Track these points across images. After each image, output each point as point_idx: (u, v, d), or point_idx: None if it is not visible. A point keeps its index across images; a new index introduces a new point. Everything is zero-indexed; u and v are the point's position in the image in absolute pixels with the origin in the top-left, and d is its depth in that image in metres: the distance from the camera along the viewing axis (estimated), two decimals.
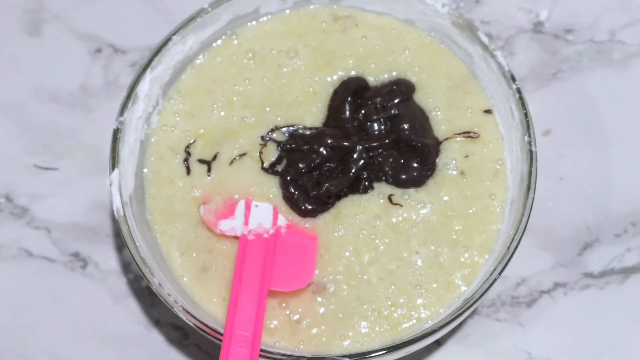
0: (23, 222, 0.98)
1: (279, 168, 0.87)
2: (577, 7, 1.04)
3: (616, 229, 0.97)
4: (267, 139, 0.88)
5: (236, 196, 0.86)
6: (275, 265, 0.82)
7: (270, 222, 0.84)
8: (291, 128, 0.88)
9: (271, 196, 0.86)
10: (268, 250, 0.82)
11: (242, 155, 0.87)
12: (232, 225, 0.84)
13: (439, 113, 0.88)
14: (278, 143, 0.87)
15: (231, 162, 0.87)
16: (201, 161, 0.87)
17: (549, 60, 1.02)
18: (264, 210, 0.85)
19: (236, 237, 0.84)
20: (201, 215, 0.85)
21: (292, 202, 0.86)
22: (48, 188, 0.99)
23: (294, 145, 0.87)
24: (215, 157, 0.87)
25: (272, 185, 0.86)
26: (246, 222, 0.84)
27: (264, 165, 0.87)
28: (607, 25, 1.03)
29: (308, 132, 0.87)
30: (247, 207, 0.85)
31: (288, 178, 0.85)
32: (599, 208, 0.97)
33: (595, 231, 0.97)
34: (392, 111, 0.87)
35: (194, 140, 0.88)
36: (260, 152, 0.87)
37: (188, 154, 0.88)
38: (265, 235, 0.83)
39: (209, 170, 0.87)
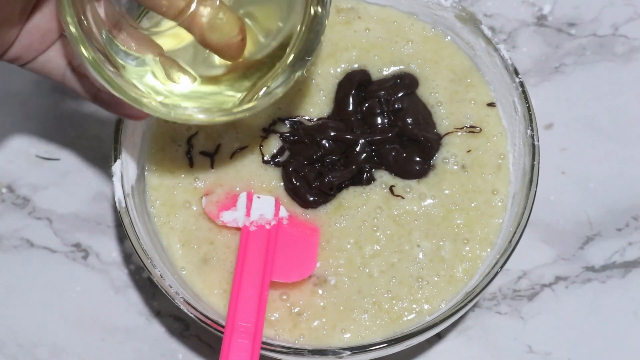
0: (25, 212, 0.98)
1: (281, 159, 0.87)
2: (580, 0, 1.04)
3: (618, 223, 0.97)
4: (269, 130, 0.88)
5: (237, 188, 0.86)
6: (277, 257, 0.82)
7: (272, 214, 0.84)
8: (293, 120, 0.88)
9: (272, 188, 0.86)
10: (270, 242, 0.82)
11: (242, 148, 0.87)
12: (234, 216, 0.84)
13: (441, 106, 0.88)
14: (280, 134, 0.87)
15: (232, 155, 0.87)
16: (204, 153, 0.87)
17: (552, 54, 1.02)
18: (266, 201, 0.85)
19: (238, 229, 0.84)
20: (203, 207, 0.85)
21: (294, 194, 0.86)
22: (50, 178, 0.99)
23: (296, 137, 0.87)
24: (217, 149, 0.87)
25: (273, 178, 0.86)
26: (248, 214, 0.84)
27: (265, 158, 0.87)
28: (610, 19, 1.03)
29: (311, 124, 0.87)
30: (249, 199, 0.85)
31: (290, 169, 0.85)
32: (600, 202, 0.97)
33: (597, 225, 0.97)
34: (396, 105, 0.87)
35: (197, 132, 0.88)
36: (261, 146, 0.87)
37: (191, 145, 0.88)
38: (267, 227, 0.83)
39: (212, 163, 0.87)
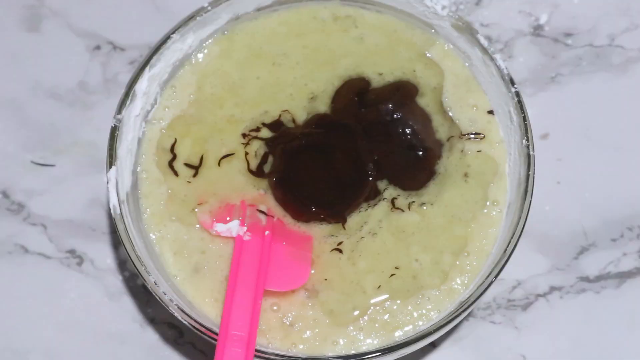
0: (19, 218, 0.98)
1: (268, 166, 0.87)
2: (576, 11, 1.04)
3: (613, 233, 0.97)
4: (251, 136, 0.87)
5: (229, 196, 0.86)
6: (271, 266, 0.82)
7: (266, 223, 0.84)
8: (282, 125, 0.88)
9: (265, 197, 0.86)
10: (264, 251, 0.82)
11: (228, 155, 0.87)
12: (227, 226, 0.84)
13: (440, 114, 0.88)
14: (265, 141, 0.87)
15: (219, 163, 0.87)
16: (188, 165, 0.87)
17: (548, 64, 1.02)
18: (260, 211, 0.85)
19: (231, 238, 0.84)
20: (198, 217, 0.85)
21: (284, 204, 0.85)
22: (45, 184, 0.99)
23: (281, 144, 0.86)
24: (201, 162, 0.87)
25: (262, 186, 0.86)
26: (242, 223, 0.84)
27: (250, 167, 0.87)
28: (606, 29, 1.03)
29: (301, 130, 0.87)
30: (243, 208, 0.85)
31: (275, 179, 0.85)
32: (595, 212, 0.97)
33: (592, 235, 0.97)
34: (395, 115, 0.86)
35: (176, 140, 0.87)
36: (246, 153, 0.87)
37: (174, 155, 0.87)
38: (261, 236, 0.83)
39: (194, 175, 0.87)
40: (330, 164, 0.86)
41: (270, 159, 0.87)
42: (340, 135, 0.87)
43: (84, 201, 0.98)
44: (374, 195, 0.86)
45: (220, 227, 0.84)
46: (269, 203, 0.86)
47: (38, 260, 0.97)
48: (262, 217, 0.84)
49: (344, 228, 0.85)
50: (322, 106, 0.88)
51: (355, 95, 0.88)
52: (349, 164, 0.86)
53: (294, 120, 0.88)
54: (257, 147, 0.87)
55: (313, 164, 0.86)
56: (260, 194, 0.86)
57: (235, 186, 0.86)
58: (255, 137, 0.87)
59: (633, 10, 1.04)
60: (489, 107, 0.88)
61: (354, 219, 0.85)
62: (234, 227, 0.84)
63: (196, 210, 0.85)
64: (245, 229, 0.83)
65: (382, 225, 0.84)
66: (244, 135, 0.87)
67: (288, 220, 0.85)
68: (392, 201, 0.85)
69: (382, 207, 0.85)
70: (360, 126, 0.87)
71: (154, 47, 0.87)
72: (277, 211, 0.85)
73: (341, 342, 0.82)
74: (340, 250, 0.84)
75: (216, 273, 0.84)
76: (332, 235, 0.84)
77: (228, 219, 0.84)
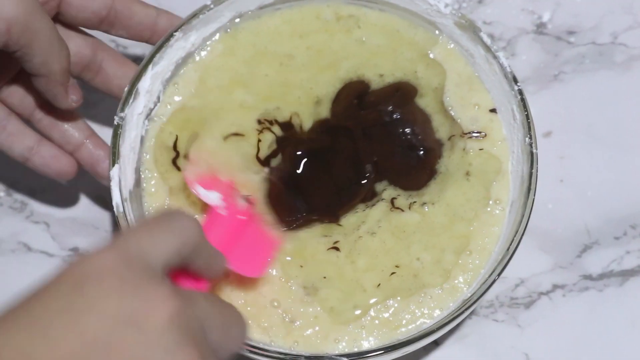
0: (22, 216, 0.98)
1: (274, 161, 0.87)
2: (579, 9, 1.04)
3: (616, 231, 0.97)
4: (265, 125, 0.87)
5: (221, 173, 0.84)
6: (236, 247, 0.80)
7: (245, 208, 0.83)
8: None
9: (255, 187, 0.85)
10: (233, 231, 0.80)
11: (237, 134, 0.86)
12: (208, 194, 0.82)
13: (441, 114, 0.88)
14: (276, 138, 0.87)
15: (225, 138, 0.86)
16: (187, 157, 0.86)
17: (551, 62, 1.02)
18: (243, 194, 0.83)
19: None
20: (183, 170, 0.84)
21: (274, 203, 0.85)
22: (48, 183, 0.99)
23: (288, 145, 0.86)
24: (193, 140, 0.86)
25: (259, 177, 0.86)
26: (224, 199, 0.82)
27: (259, 154, 0.86)
28: (609, 27, 1.03)
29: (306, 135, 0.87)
30: (229, 188, 0.83)
31: (276, 178, 0.85)
32: (598, 210, 0.97)
33: (595, 233, 0.97)
34: (394, 115, 0.86)
35: (177, 137, 0.87)
36: (259, 140, 0.87)
37: (177, 152, 0.87)
38: (236, 218, 0.81)
39: (177, 157, 0.86)
40: (328, 169, 0.86)
41: (278, 155, 0.87)
42: (339, 139, 0.87)
43: (87, 199, 0.98)
44: (371, 197, 0.86)
45: (201, 190, 0.82)
46: (258, 196, 0.85)
47: (41, 259, 0.97)
48: (244, 203, 0.83)
49: (339, 225, 0.84)
50: (325, 110, 0.88)
51: (354, 98, 0.87)
52: (347, 168, 0.86)
53: (301, 127, 0.88)
54: (268, 139, 0.87)
55: (313, 171, 0.86)
56: (253, 183, 0.85)
57: (233, 166, 0.85)
58: (269, 129, 0.87)
59: (636, 9, 1.04)
60: (492, 105, 0.88)
61: (350, 219, 0.85)
62: (214, 197, 0.82)
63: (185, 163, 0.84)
64: (224, 204, 0.82)
65: (381, 225, 0.84)
66: (259, 122, 0.87)
67: (267, 219, 0.84)
68: (392, 201, 0.85)
69: (381, 207, 0.85)
70: (360, 128, 0.87)
71: (157, 46, 0.87)
72: (262, 208, 0.85)
73: (343, 340, 0.82)
74: (337, 249, 0.84)
75: None
76: (326, 236, 0.84)
77: (211, 190, 0.83)
